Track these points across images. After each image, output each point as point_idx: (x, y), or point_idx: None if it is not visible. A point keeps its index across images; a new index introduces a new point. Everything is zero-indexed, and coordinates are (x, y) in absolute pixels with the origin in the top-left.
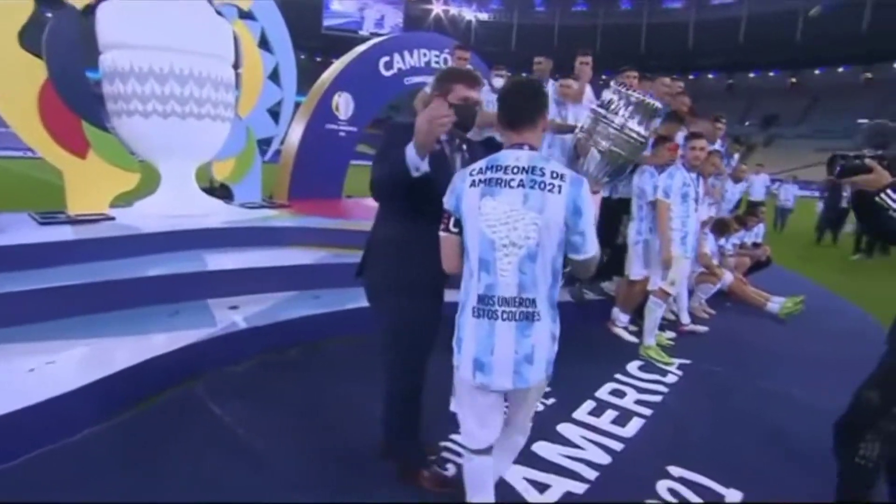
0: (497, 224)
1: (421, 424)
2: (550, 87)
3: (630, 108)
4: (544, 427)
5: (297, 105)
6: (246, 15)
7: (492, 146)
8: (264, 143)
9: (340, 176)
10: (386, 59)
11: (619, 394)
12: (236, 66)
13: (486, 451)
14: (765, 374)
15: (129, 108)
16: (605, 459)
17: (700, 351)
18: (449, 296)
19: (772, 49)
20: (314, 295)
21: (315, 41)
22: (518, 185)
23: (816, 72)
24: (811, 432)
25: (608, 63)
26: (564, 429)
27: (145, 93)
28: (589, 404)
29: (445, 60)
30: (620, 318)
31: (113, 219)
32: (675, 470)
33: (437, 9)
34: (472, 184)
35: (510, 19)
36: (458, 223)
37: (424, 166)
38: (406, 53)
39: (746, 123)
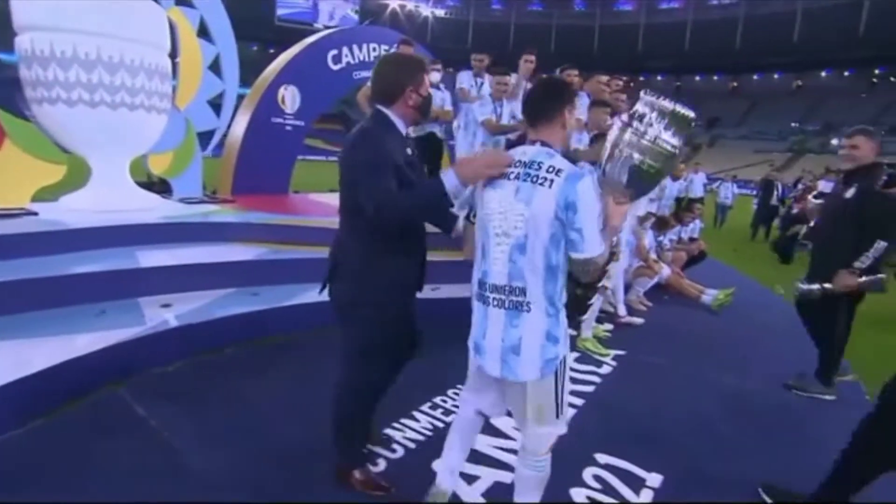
0: (493, 213)
1: (366, 427)
2: (486, 82)
3: (663, 119)
4: None
5: (242, 97)
6: (183, 2)
7: (433, 142)
8: (206, 136)
9: (287, 171)
10: (334, 52)
11: None
12: (173, 55)
13: (478, 412)
14: (696, 363)
15: (51, 95)
16: None
17: (636, 342)
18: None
19: (715, 54)
20: (253, 292)
21: (268, 32)
22: (514, 178)
23: (755, 77)
24: (736, 417)
25: (563, 62)
26: (498, 420)
27: (69, 80)
28: None
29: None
30: None
31: (35, 214)
32: (601, 457)
33: (393, 4)
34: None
35: (467, 16)
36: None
37: (465, 192)
38: (355, 47)
39: (692, 124)
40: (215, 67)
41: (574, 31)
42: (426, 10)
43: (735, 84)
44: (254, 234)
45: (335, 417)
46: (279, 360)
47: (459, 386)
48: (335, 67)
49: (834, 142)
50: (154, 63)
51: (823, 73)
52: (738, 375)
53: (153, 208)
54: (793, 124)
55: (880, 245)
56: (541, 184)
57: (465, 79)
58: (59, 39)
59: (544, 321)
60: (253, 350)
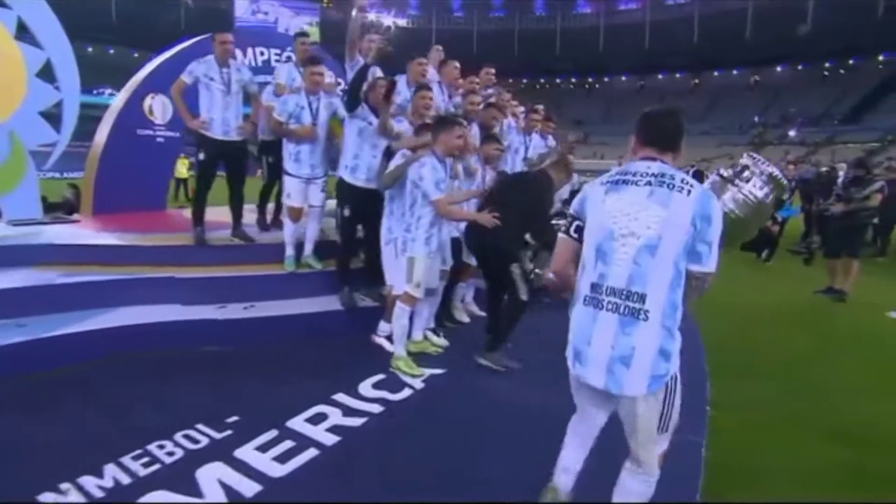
0: (619, 215)
1: None
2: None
3: (763, 179)
4: (177, 472)
5: (101, 107)
6: None
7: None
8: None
9: (161, 185)
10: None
11: (317, 419)
12: None
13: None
14: (527, 381)
15: None
16: None
17: (469, 358)
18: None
19: (674, 52)
20: (19, 323)
21: None
22: (645, 184)
23: (715, 73)
24: (520, 437)
25: (526, 67)
26: (205, 471)
27: None
28: (269, 435)
29: (289, 59)
30: (382, 327)
31: None
32: None
33: (354, 14)
34: (601, 184)
35: (429, 25)
36: (578, 230)
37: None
38: (238, 51)
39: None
40: (47, 75)
41: (536, 36)
42: (388, 20)
43: (696, 81)
44: (71, 256)
45: None
46: (21, 401)
47: (200, 426)
48: None
49: (791, 133)
50: None
51: (779, 68)
52: (548, 393)
53: None
54: (755, 118)
55: None
56: (679, 190)
57: (283, 73)
58: None
59: (659, 333)
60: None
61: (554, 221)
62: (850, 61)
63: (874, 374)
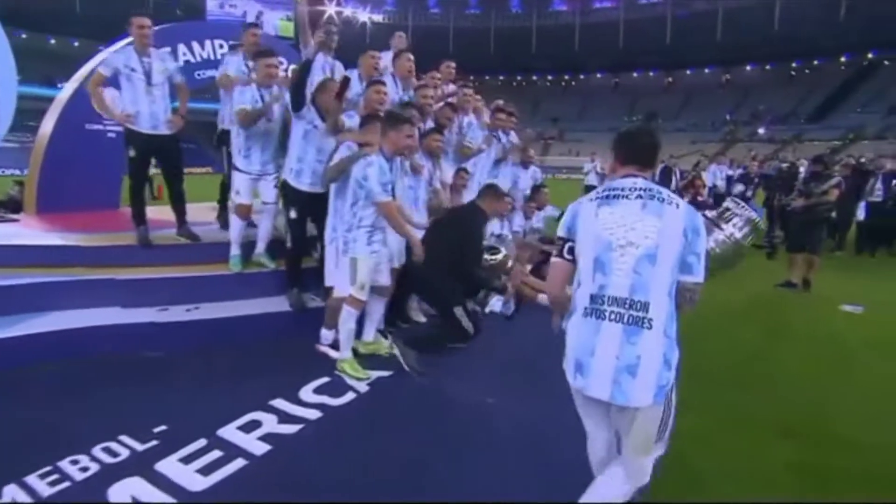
0: (615, 227)
1: None
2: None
3: (744, 223)
4: (87, 490)
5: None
6: None
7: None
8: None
9: (114, 183)
10: (167, 49)
11: (250, 427)
12: None
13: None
14: (471, 381)
15: None
16: None
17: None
18: None
19: (648, 51)
20: None
21: None
22: (636, 198)
23: (688, 72)
24: (475, 442)
25: (502, 64)
26: (119, 488)
27: None
28: (197, 445)
29: (234, 46)
30: (324, 335)
31: None
32: None
33: (329, 10)
34: (590, 200)
35: (405, 21)
36: (571, 251)
37: None
38: (195, 44)
39: (635, 118)
40: None
41: (512, 34)
42: (363, 16)
43: (670, 79)
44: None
45: None
46: None
47: (124, 437)
48: None
49: (760, 131)
50: None
51: (748, 68)
52: (506, 396)
53: None
54: (727, 116)
55: None
56: (669, 203)
57: (232, 64)
58: None
59: (662, 342)
60: None
61: (486, 256)
62: (815, 62)
63: (824, 369)
